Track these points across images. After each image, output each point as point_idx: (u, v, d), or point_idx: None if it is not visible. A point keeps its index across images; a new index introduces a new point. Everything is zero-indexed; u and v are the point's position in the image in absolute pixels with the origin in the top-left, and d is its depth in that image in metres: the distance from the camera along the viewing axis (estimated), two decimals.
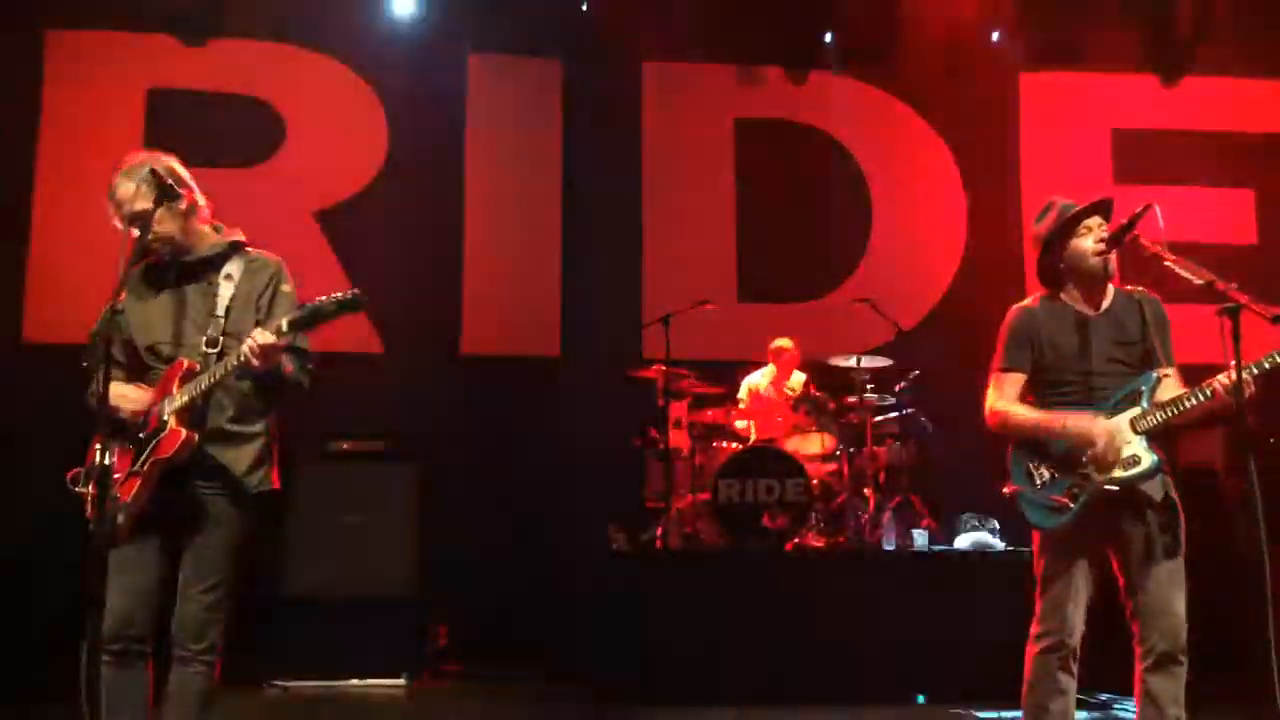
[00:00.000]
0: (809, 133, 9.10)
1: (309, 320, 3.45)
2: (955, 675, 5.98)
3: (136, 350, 3.71)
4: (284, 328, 3.43)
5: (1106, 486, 3.62)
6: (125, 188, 3.63)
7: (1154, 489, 3.69)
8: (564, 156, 8.79)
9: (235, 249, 3.76)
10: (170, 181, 3.63)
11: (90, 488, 3.50)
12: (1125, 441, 3.64)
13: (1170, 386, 3.74)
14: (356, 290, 3.46)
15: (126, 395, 3.58)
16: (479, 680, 6.75)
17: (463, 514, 7.70)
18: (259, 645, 6.42)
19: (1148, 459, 3.63)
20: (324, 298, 3.46)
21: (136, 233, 3.61)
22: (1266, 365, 3.44)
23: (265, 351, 3.40)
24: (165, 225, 3.64)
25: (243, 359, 3.42)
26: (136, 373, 3.72)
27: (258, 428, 3.71)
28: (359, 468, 6.87)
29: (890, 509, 7.15)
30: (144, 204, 3.60)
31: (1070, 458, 3.70)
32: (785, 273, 8.86)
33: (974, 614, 6.11)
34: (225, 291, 3.66)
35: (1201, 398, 3.56)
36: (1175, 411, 3.62)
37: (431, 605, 7.01)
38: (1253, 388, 3.41)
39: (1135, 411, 3.67)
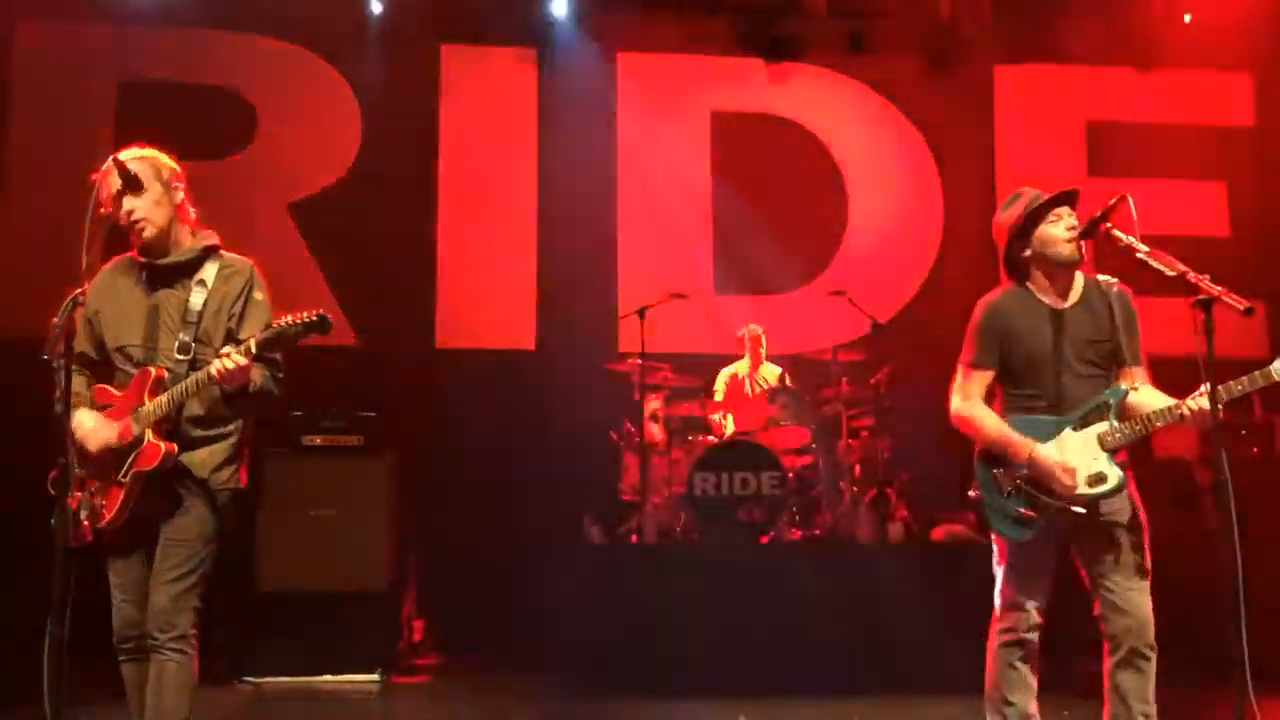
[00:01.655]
0: (786, 125, 9.10)
1: (275, 342, 3.58)
2: (930, 666, 5.99)
3: (104, 346, 3.76)
4: (252, 348, 3.54)
5: (1073, 508, 3.63)
6: (117, 173, 3.65)
7: (1122, 511, 3.70)
8: (538, 148, 8.76)
9: (209, 253, 3.80)
10: (163, 163, 3.73)
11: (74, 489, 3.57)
12: (1092, 458, 3.65)
13: (1145, 395, 3.72)
14: (321, 312, 3.58)
15: (85, 428, 3.64)
16: (454, 675, 6.73)
17: (438, 508, 7.66)
18: (232, 641, 6.39)
19: (1114, 476, 3.63)
20: (289, 320, 3.58)
21: (124, 213, 3.64)
22: (1237, 391, 3.46)
23: (234, 373, 3.52)
24: (148, 210, 3.67)
25: (212, 378, 3.53)
26: (103, 371, 3.78)
27: (229, 428, 3.78)
28: (333, 461, 6.80)
29: (865, 502, 7.15)
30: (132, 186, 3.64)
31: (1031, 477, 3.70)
32: (762, 265, 8.85)
33: (949, 606, 6.11)
34: (198, 297, 3.71)
35: (1171, 419, 3.57)
36: (1144, 429, 3.63)
37: (406, 600, 6.98)
38: (1221, 413, 3.43)
39: (1103, 428, 3.67)
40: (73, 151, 7.58)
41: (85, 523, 3.53)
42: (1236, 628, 3.12)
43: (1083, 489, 3.63)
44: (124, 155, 3.70)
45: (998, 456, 3.77)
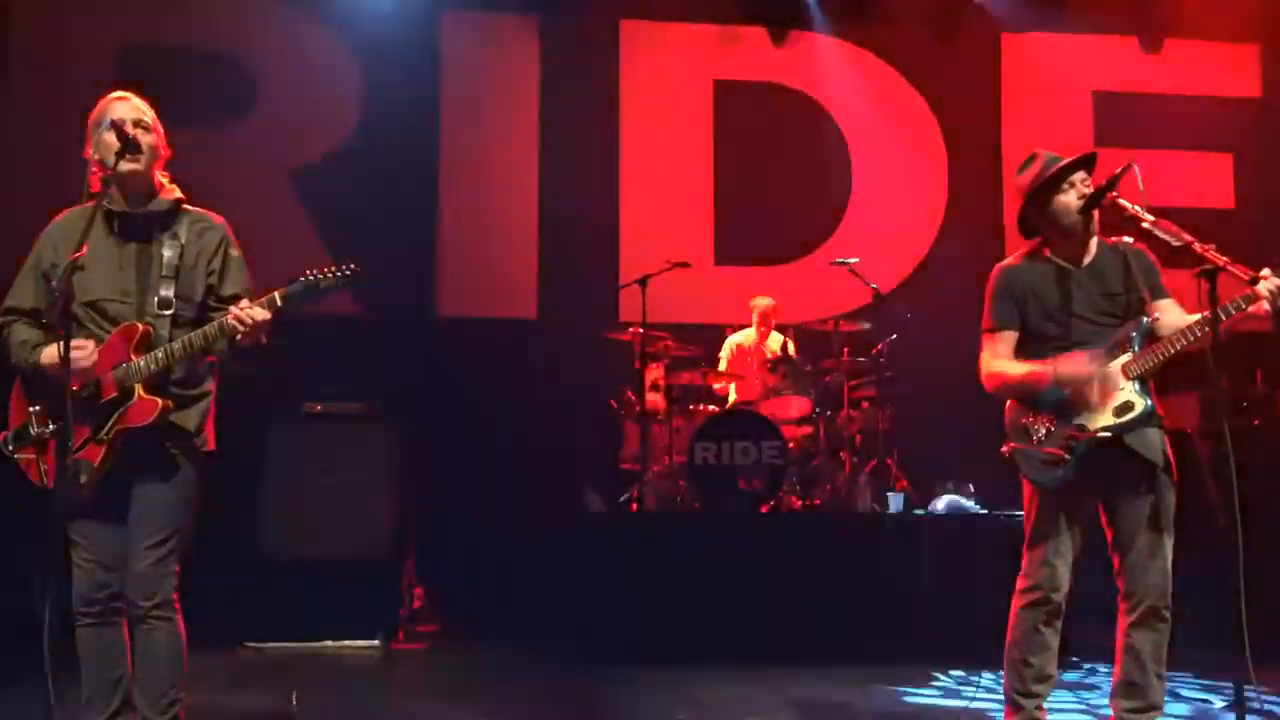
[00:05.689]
0: (789, 94, 9.05)
1: (303, 295, 3.45)
2: (929, 636, 6.02)
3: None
4: (278, 301, 3.42)
5: (1100, 434, 3.61)
6: (135, 104, 3.60)
7: (1155, 452, 3.68)
8: (540, 116, 8.72)
9: (179, 207, 3.67)
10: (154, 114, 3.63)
11: (28, 452, 3.47)
12: (1118, 387, 3.64)
13: (1169, 324, 3.68)
14: (354, 266, 3.46)
15: (84, 348, 3.41)
16: (454, 642, 6.75)
17: (439, 476, 7.69)
18: (234, 607, 6.41)
19: (1141, 404, 3.63)
20: (321, 273, 3.46)
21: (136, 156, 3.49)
22: (1233, 310, 3.44)
23: (259, 326, 3.41)
24: (156, 144, 3.59)
25: (237, 330, 3.40)
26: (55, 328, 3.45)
27: (204, 388, 3.68)
28: (335, 429, 6.81)
29: (866, 472, 7.16)
30: (150, 135, 3.57)
31: (1064, 408, 3.69)
32: (763, 235, 8.84)
33: (948, 576, 6.13)
34: (171, 251, 3.57)
35: (1188, 338, 3.54)
36: (1164, 352, 3.61)
37: (407, 567, 7.00)
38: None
39: (1126, 357, 3.66)
40: (72, 118, 7.54)
41: (85, 483, 3.38)
42: (1236, 600, 3.12)
43: (1109, 419, 3.63)
44: (122, 109, 3.58)
45: (1029, 403, 3.76)
